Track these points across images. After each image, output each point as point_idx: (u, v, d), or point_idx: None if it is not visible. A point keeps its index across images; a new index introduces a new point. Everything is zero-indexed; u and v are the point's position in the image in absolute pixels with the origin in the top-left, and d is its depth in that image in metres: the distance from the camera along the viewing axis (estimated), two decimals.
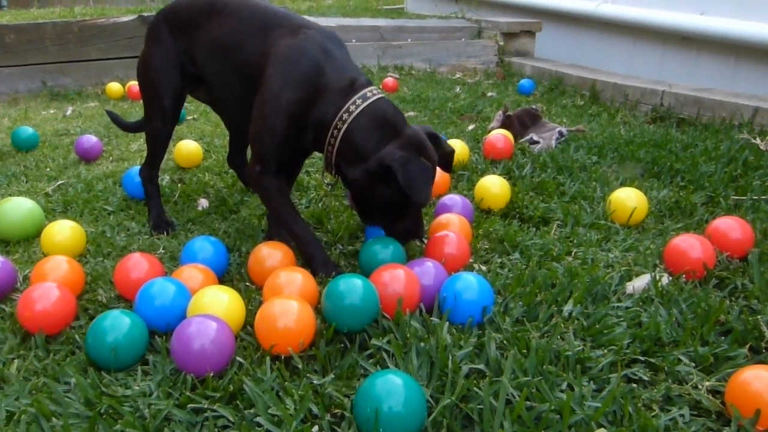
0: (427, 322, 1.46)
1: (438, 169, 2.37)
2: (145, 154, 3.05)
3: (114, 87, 4.66)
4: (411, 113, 3.83)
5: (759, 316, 1.51)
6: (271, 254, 1.70)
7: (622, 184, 2.47)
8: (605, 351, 1.39)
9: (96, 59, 4.87)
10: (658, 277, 1.69)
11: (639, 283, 1.70)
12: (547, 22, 5.62)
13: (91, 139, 3.06)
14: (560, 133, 3.01)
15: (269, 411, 1.17)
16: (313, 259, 1.77)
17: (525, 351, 1.36)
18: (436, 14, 7.23)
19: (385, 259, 1.70)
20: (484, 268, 1.80)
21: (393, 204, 1.74)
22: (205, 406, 1.20)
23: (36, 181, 2.74)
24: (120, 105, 4.46)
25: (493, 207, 2.24)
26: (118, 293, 1.69)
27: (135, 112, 4.15)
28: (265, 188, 1.83)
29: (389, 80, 4.49)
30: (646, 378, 1.33)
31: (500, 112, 3.21)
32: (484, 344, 1.37)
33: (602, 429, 1.16)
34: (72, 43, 4.77)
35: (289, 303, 1.38)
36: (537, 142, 2.94)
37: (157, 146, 2.20)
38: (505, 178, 2.41)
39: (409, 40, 5.37)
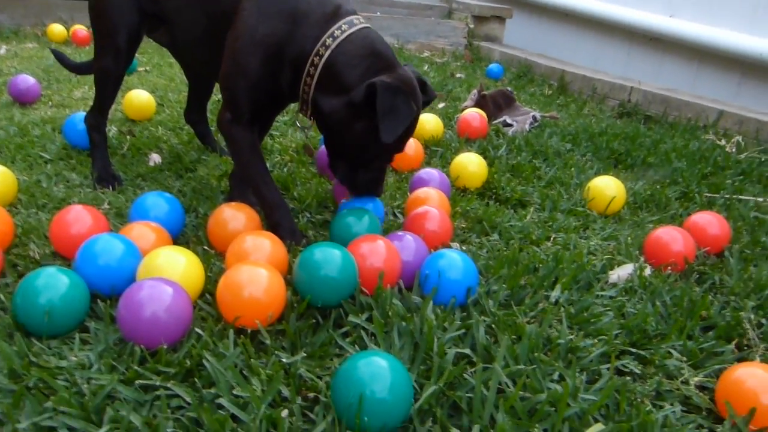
0: (408, 300, 1.33)
1: (412, 141, 2.24)
2: (90, 102, 2.81)
3: (56, 29, 4.29)
4: None
5: (742, 313, 1.46)
6: (234, 216, 1.53)
7: (597, 173, 2.41)
8: (595, 340, 1.30)
9: None
10: (641, 268, 1.62)
11: (622, 272, 1.63)
12: (518, 9, 5.55)
13: (27, 80, 2.78)
14: (534, 118, 2.93)
15: (233, 392, 1.01)
16: (280, 226, 1.60)
17: (515, 337, 1.25)
18: None
19: (358, 232, 1.55)
20: (463, 247, 1.69)
21: (363, 146, 1.56)
22: (157, 383, 1.04)
23: None
24: (63, 49, 4.10)
25: (470, 186, 2.13)
26: (53, 249, 1.48)
27: (80, 58, 3.82)
28: (235, 140, 1.64)
29: None
30: (637, 371, 1.25)
31: (475, 90, 3.10)
32: (470, 327, 1.25)
33: (599, 424, 1.06)
34: None
35: (258, 270, 1.22)
36: (510, 125, 2.85)
37: (107, 88, 1.97)
38: (481, 157, 2.29)
39: (378, 13, 5.19)
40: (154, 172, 2.07)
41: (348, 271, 1.26)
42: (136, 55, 3.90)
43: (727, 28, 3.92)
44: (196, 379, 1.05)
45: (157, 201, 1.59)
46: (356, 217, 1.58)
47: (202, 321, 1.23)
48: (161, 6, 1.82)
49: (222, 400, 0.99)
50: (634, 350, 1.31)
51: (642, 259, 1.72)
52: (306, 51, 1.56)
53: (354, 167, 1.63)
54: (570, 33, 5.29)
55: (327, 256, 1.26)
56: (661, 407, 1.15)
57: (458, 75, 4.36)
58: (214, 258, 1.49)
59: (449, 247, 1.65)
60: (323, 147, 2.12)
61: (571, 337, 1.29)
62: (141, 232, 1.44)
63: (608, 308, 1.45)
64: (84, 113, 2.24)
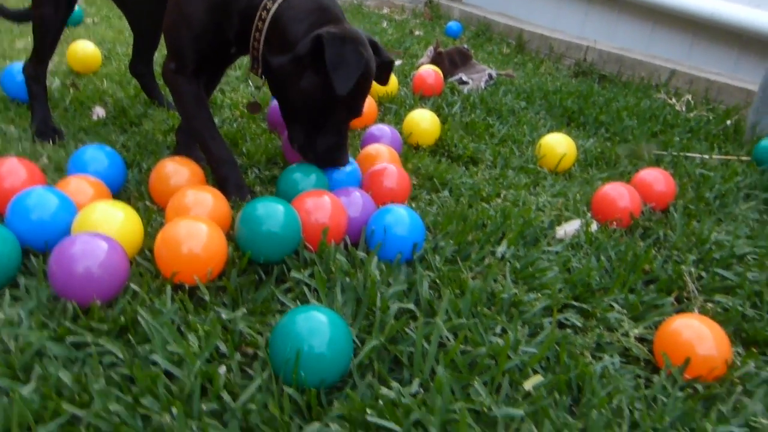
0: (353, 256, 1.32)
1: (369, 99, 2.20)
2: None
3: None
4: None
5: (683, 266, 1.50)
6: (177, 171, 1.48)
7: (550, 131, 2.42)
8: (538, 294, 1.32)
9: None
10: (588, 223, 1.64)
11: (569, 228, 1.65)
12: None
13: None
14: (489, 76, 2.91)
15: (168, 348, 0.99)
16: (227, 180, 1.56)
17: (459, 291, 1.25)
18: None
19: (305, 188, 1.52)
20: (412, 204, 1.68)
21: (316, 104, 1.51)
22: (89, 339, 1.01)
23: None
24: None
25: (422, 143, 2.11)
26: None
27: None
28: (179, 91, 1.59)
29: None
30: (578, 324, 1.27)
31: (431, 48, 3.06)
32: (415, 282, 1.25)
33: (538, 376, 1.08)
34: None
35: (197, 225, 1.18)
36: (466, 83, 2.82)
37: (46, 37, 1.87)
38: (434, 114, 2.27)
39: None
40: (97, 126, 2.00)
41: (291, 226, 1.24)
42: (84, 5, 3.74)
43: None
44: (130, 336, 1.03)
45: (97, 154, 1.53)
46: (303, 173, 1.55)
47: (140, 277, 1.20)
48: None
49: (156, 356, 0.97)
50: (576, 304, 1.33)
51: (589, 215, 1.75)
52: (254, 3, 1.50)
53: (310, 133, 1.56)
54: None
55: (270, 211, 1.23)
56: (601, 359, 1.18)
57: (417, 32, 4.30)
58: (156, 213, 1.44)
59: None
60: (274, 102, 2.08)
61: (515, 291, 1.30)
62: (78, 186, 1.38)
63: (554, 263, 1.46)
64: (23, 63, 2.14)
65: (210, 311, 1.11)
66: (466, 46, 3.20)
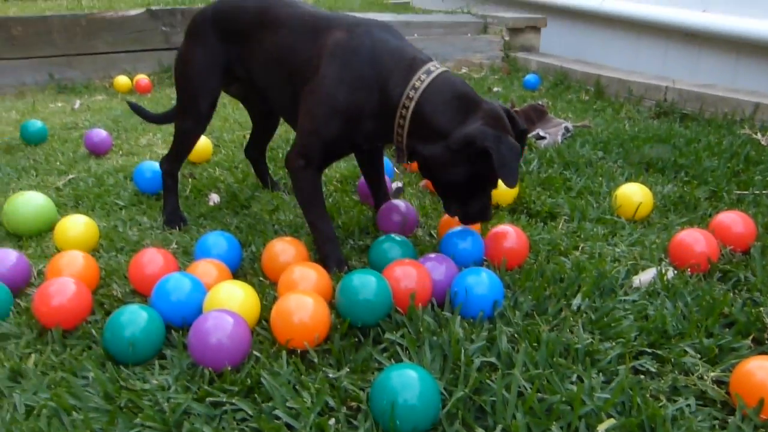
0: (439, 317, 1.49)
1: None
2: (155, 148, 3.10)
3: (122, 80, 4.68)
4: None
5: (761, 308, 1.54)
6: (284, 250, 1.73)
7: (628, 179, 2.49)
8: (613, 343, 1.42)
9: (104, 52, 4.90)
10: (663, 271, 1.72)
11: (645, 276, 1.73)
12: (551, 18, 5.63)
13: (100, 133, 3.09)
14: (566, 129, 3.03)
15: (287, 404, 1.20)
16: (329, 257, 1.79)
17: (536, 344, 1.39)
18: (442, 9, 7.22)
19: (394, 256, 1.71)
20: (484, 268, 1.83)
21: (468, 184, 1.70)
22: (224, 399, 1.23)
23: (46, 175, 2.77)
24: (128, 98, 4.48)
25: (501, 202, 2.26)
26: (132, 288, 1.72)
27: (143, 105, 4.16)
28: (301, 181, 1.82)
29: None
30: (653, 369, 1.36)
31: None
32: (496, 338, 1.40)
33: (611, 419, 1.19)
34: (79, 35, 4.80)
35: (304, 298, 1.41)
36: (543, 138, 2.96)
37: (187, 144, 2.20)
38: None
39: (416, 35, 5.37)
40: (213, 211, 2.31)
41: (383, 293, 1.44)
42: None
43: (761, 18, 3.89)
44: (256, 395, 1.25)
45: (218, 240, 1.81)
46: (391, 243, 1.75)
47: (260, 344, 1.43)
48: (252, 77, 2.01)
49: (278, 412, 1.18)
50: (651, 350, 1.42)
51: (665, 262, 1.82)
52: (392, 104, 1.68)
53: (463, 201, 1.76)
54: (605, 35, 5.33)
55: (364, 282, 1.44)
56: (675, 401, 1.26)
57: (495, 89, 4.49)
58: (269, 288, 1.69)
59: (480, 263, 1.79)
60: (363, 178, 2.31)
61: (590, 340, 1.41)
62: (205, 269, 1.65)
63: (629, 312, 1.56)
64: (151, 161, 2.52)
65: (319, 371, 1.31)
66: (540, 102, 3.34)
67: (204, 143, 2.91)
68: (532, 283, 1.66)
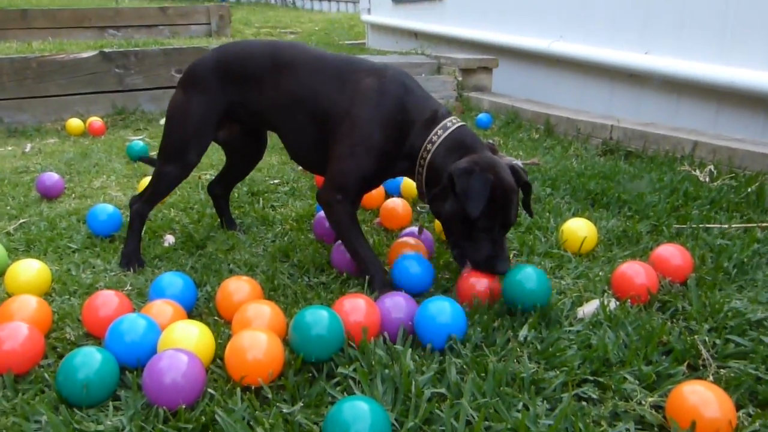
0: (391, 350, 1.53)
1: (400, 201, 2.47)
2: (108, 190, 3.09)
3: (74, 123, 4.65)
4: None
5: (696, 336, 1.63)
6: (239, 288, 1.76)
7: (575, 215, 2.60)
8: (558, 372, 1.48)
9: (55, 95, 4.87)
10: (606, 302, 1.80)
11: (589, 308, 1.81)
12: (502, 59, 5.85)
13: (52, 177, 3.07)
14: None
15: None
16: (375, 280, 1.88)
17: (483, 374, 1.44)
18: (397, 50, 7.43)
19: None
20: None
21: (463, 222, 1.79)
22: None
23: None
24: (81, 141, 4.46)
25: None
26: (86, 331, 1.71)
27: (96, 147, 4.16)
28: (340, 215, 1.93)
29: None
30: (595, 396, 1.42)
31: None
32: (446, 369, 1.45)
33: None
34: (30, 78, 4.77)
35: (258, 335, 1.43)
36: None
37: (165, 188, 2.20)
38: None
39: None
40: (168, 252, 2.32)
41: (335, 328, 1.47)
42: (148, 139, 4.23)
43: (699, 59, 4.14)
44: None
45: (172, 280, 1.82)
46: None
47: (215, 382, 1.45)
48: (264, 121, 2.10)
49: None
50: (593, 378, 1.49)
51: (608, 293, 1.91)
52: (415, 150, 1.89)
53: (466, 245, 1.84)
54: (554, 76, 5.56)
55: (316, 318, 1.47)
56: (616, 426, 1.33)
57: None
58: (223, 326, 1.70)
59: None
60: (319, 214, 2.37)
61: (534, 369, 1.48)
62: (159, 309, 1.66)
63: (573, 342, 1.63)
64: (104, 204, 2.52)
65: (273, 407, 1.33)
66: (492, 140, 3.47)
67: None
68: (481, 316, 1.72)
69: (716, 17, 3.98)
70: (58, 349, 1.63)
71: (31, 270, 1.96)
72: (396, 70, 1.95)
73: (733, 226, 2.42)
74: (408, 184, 2.86)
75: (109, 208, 2.51)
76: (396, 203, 2.55)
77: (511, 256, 2.22)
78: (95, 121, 4.66)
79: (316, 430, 1.27)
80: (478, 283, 1.81)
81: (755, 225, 2.42)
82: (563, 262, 2.18)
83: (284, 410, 1.32)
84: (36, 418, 1.34)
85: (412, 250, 1.99)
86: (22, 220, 2.68)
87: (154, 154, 3.99)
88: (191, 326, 1.52)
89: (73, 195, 3.13)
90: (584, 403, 1.40)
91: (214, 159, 3.65)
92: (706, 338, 1.64)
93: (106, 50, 5.06)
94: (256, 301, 1.65)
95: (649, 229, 2.47)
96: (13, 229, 2.59)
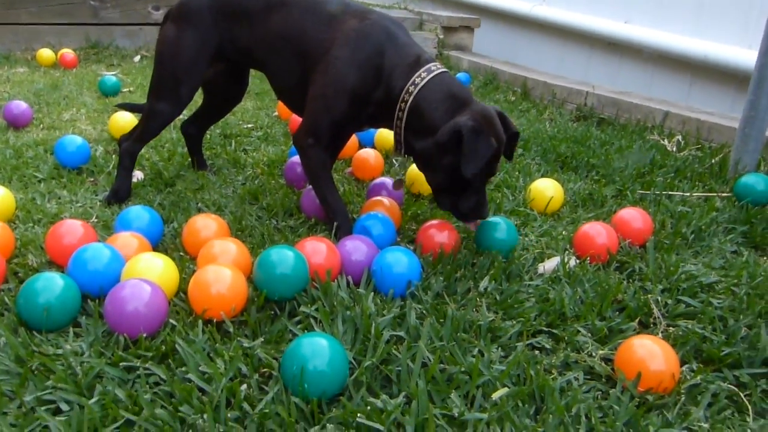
0: (353, 293, 1.56)
1: (373, 152, 2.47)
2: (77, 123, 3.03)
3: (45, 54, 4.51)
4: None
5: (650, 296, 1.69)
6: (206, 225, 1.76)
7: (543, 176, 2.64)
8: (514, 322, 1.53)
9: (26, 23, 4.70)
10: (566, 260, 1.85)
11: (549, 264, 1.86)
12: (485, 19, 5.79)
13: (20, 105, 2.99)
14: None
15: (200, 368, 1.24)
16: (340, 229, 1.89)
17: (442, 320, 1.48)
18: (379, 3, 7.30)
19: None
20: (411, 246, 1.91)
21: (455, 177, 1.77)
22: (138, 364, 1.26)
23: None
24: (51, 72, 4.33)
25: (423, 192, 2.36)
26: (49, 259, 1.70)
27: (67, 80, 4.05)
28: (312, 159, 1.91)
29: None
30: (548, 346, 1.47)
31: None
32: (405, 314, 1.48)
33: (505, 388, 1.29)
34: (0, 4, 4.58)
35: (222, 270, 1.44)
36: None
37: (156, 127, 2.16)
38: None
39: None
40: (137, 187, 2.29)
41: (300, 268, 1.49)
42: (121, 75, 4.13)
43: (676, 32, 4.17)
44: (170, 361, 1.28)
45: (139, 213, 1.81)
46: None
47: (176, 314, 1.46)
48: (253, 58, 2.05)
49: (191, 376, 1.22)
50: (548, 330, 1.54)
51: (569, 252, 1.96)
52: (393, 95, 1.82)
53: (454, 197, 1.84)
54: (534, 40, 5.55)
55: (282, 257, 1.49)
56: (565, 375, 1.38)
57: None
58: (189, 262, 1.71)
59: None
60: (290, 159, 2.36)
61: (492, 318, 1.52)
62: (125, 241, 1.66)
63: (532, 295, 1.68)
64: (73, 135, 2.47)
65: (234, 340, 1.36)
66: None
67: (129, 120, 2.86)
68: (444, 266, 1.75)
69: None
70: (19, 275, 1.62)
71: None
72: (381, 14, 1.92)
73: (695, 194, 2.48)
74: (382, 135, 2.85)
75: (78, 139, 2.46)
76: (369, 154, 2.55)
77: None
78: (67, 53, 4.52)
79: (275, 365, 1.29)
80: (439, 234, 1.84)
81: (715, 195, 2.48)
82: (528, 220, 2.22)
83: (245, 344, 1.35)
84: None
85: (384, 210, 1.99)
86: None
87: (126, 90, 3.90)
88: (156, 258, 1.52)
89: (42, 125, 3.06)
90: (537, 352, 1.45)
91: None
92: (659, 298, 1.70)
93: None
94: (223, 239, 1.65)
95: (614, 193, 2.52)
96: None
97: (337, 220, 1.91)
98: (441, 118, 1.76)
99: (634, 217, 2.07)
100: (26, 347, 1.30)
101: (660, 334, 1.58)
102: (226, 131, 3.06)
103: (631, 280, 1.84)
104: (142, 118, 2.18)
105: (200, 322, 1.39)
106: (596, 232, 1.95)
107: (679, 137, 3.20)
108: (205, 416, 1.09)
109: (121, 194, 2.16)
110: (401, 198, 2.23)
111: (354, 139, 2.71)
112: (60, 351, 1.30)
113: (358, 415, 1.13)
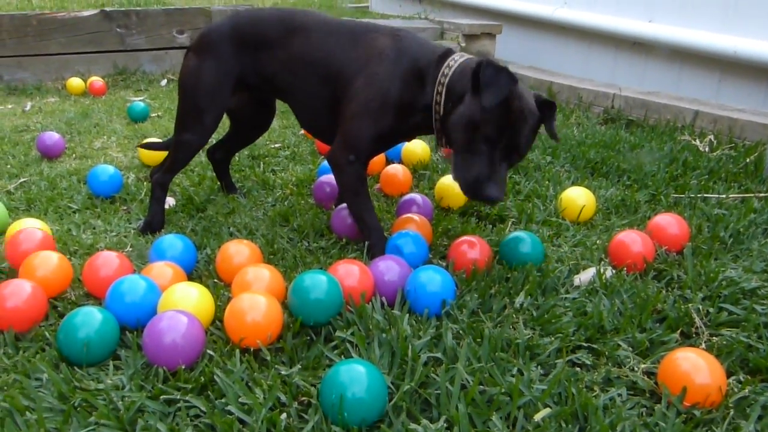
0: (388, 315, 1.55)
1: (400, 168, 2.47)
2: (108, 151, 3.09)
3: (75, 82, 4.62)
4: None
5: (690, 305, 1.65)
6: (239, 251, 1.77)
7: (574, 183, 2.60)
8: (552, 338, 1.50)
9: (56, 53, 4.82)
10: (602, 270, 1.82)
11: (585, 275, 1.83)
12: (507, 25, 5.76)
13: (53, 136, 3.06)
14: None
15: (239, 400, 1.24)
16: (375, 247, 1.90)
17: (479, 339, 1.46)
18: (400, 15, 7.32)
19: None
20: (443, 263, 1.90)
21: (470, 128, 1.68)
22: (178, 396, 1.27)
23: None
24: (81, 101, 4.43)
25: (453, 205, 2.34)
26: (86, 291, 1.73)
27: (97, 107, 4.14)
28: (351, 176, 1.91)
29: None
30: (588, 362, 1.45)
31: None
32: (442, 335, 1.47)
33: (547, 409, 1.27)
34: (30, 36, 4.71)
35: (257, 298, 1.45)
36: None
37: (185, 157, 2.20)
38: None
39: None
40: (169, 214, 2.32)
41: (333, 292, 1.49)
42: (149, 101, 4.21)
43: (703, 28, 4.09)
44: (209, 392, 1.29)
45: (173, 242, 1.83)
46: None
47: (214, 344, 1.47)
48: (275, 84, 2.07)
49: (231, 407, 1.22)
50: (588, 345, 1.51)
51: (604, 261, 1.92)
52: (430, 98, 1.82)
53: (467, 164, 1.71)
54: (558, 43, 5.49)
55: (315, 282, 1.49)
56: (608, 392, 1.35)
57: None
58: (223, 289, 1.72)
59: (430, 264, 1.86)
60: (319, 179, 2.37)
61: (530, 335, 1.50)
62: (160, 271, 1.68)
63: (569, 309, 1.65)
64: (105, 164, 2.52)
65: (271, 369, 1.36)
66: None
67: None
68: (478, 283, 1.73)
69: None
70: (59, 309, 1.65)
71: (33, 230, 1.97)
72: (408, 31, 1.94)
73: (731, 196, 2.43)
74: (408, 150, 2.85)
75: (110, 169, 2.51)
76: (396, 169, 2.54)
77: (510, 224, 2.23)
78: (96, 80, 4.63)
79: (313, 392, 1.29)
80: (471, 250, 1.83)
81: (752, 195, 2.42)
82: (561, 230, 2.19)
83: (282, 372, 1.35)
84: (36, 376, 1.36)
85: (415, 227, 1.98)
86: (22, 179, 2.68)
87: (155, 115, 3.97)
88: (191, 288, 1.54)
89: (74, 155, 3.12)
90: (578, 368, 1.43)
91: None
92: (700, 306, 1.66)
93: (107, 9, 4.98)
94: (256, 265, 1.66)
95: (648, 198, 2.48)
96: (13, 188, 2.59)
97: (371, 239, 1.91)
98: (465, 86, 1.72)
99: (669, 222, 2.03)
100: (68, 383, 1.32)
101: (703, 345, 1.54)
102: (254, 152, 3.09)
103: (670, 289, 1.79)
104: (170, 150, 2.22)
105: (237, 351, 1.40)
106: (631, 240, 1.92)
107: (711, 137, 3.13)
108: None
109: (154, 225, 2.18)
110: (431, 213, 2.22)
111: (381, 155, 2.71)
112: (101, 386, 1.31)
113: None
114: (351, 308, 1.55)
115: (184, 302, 1.48)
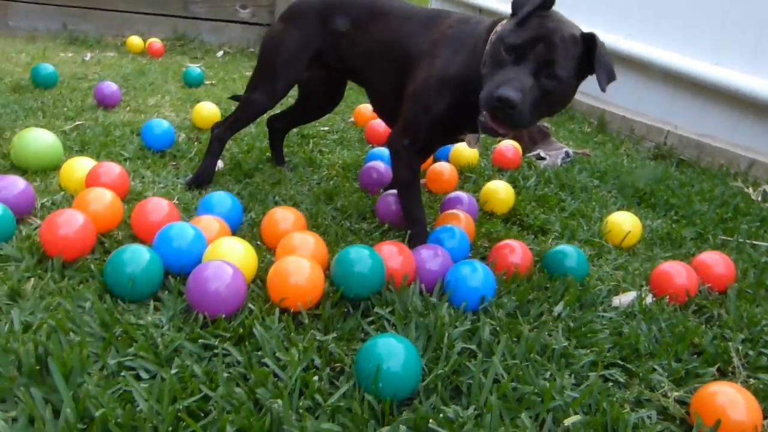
0: (426, 301, 1.55)
1: (447, 166, 2.47)
2: (161, 109, 3.14)
3: (135, 41, 4.71)
4: None
5: (730, 343, 1.62)
6: (285, 217, 1.78)
7: (620, 209, 2.58)
8: (588, 351, 1.49)
9: (120, 10, 4.92)
10: (643, 296, 1.79)
11: (625, 298, 1.80)
12: None
13: (111, 86, 3.12)
14: (567, 154, 3.12)
15: (276, 355, 1.25)
16: (417, 237, 1.88)
17: (516, 339, 1.45)
18: None
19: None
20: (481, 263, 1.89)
21: (498, 51, 1.61)
22: (216, 343, 1.28)
23: (53, 118, 2.80)
24: (139, 59, 4.51)
25: (496, 211, 2.33)
26: (132, 233, 1.75)
27: (153, 68, 4.21)
28: (404, 162, 1.90)
29: None
30: (621, 380, 1.43)
31: None
32: (479, 328, 1.46)
33: (577, 416, 1.25)
34: None
35: (302, 261, 1.46)
36: (543, 158, 3.04)
37: (250, 116, 2.24)
38: (510, 185, 2.50)
39: None
40: (217, 176, 2.35)
41: (377, 269, 1.49)
42: (204, 69, 4.26)
43: (766, 78, 4.02)
44: (246, 344, 1.29)
45: (222, 199, 1.86)
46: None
47: (254, 300, 1.48)
48: (350, 65, 2.09)
49: (267, 360, 1.23)
50: (622, 363, 1.49)
51: (645, 288, 1.89)
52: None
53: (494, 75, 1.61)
54: (616, 73, 5.44)
55: (360, 256, 1.49)
56: (638, 411, 1.33)
57: None
58: (265, 252, 1.73)
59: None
60: (367, 165, 2.38)
61: (566, 344, 1.48)
62: (207, 223, 1.70)
63: (606, 327, 1.63)
64: (160, 119, 2.56)
65: (308, 332, 1.36)
66: (546, 124, 3.43)
67: (213, 111, 2.95)
68: (518, 286, 1.72)
69: None
70: (105, 245, 1.68)
71: (85, 168, 2.01)
72: (480, 17, 1.93)
73: None
74: (457, 151, 2.85)
75: (165, 124, 2.55)
76: (444, 167, 2.54)
77: (552, 237, 2.22)
78: (155, 42, 4.71)
79: (347, 361, 1.29)
80: (513, 254, 1.82)
81: None
82: (603, 252, 2.16)
83: (318, 337, 1.35)
84: (80, 303, 1.39)
85: (459, 223, 1.98)
86: (78, 122, 2.74)
87: (209, 83, 4.02)
88: (237, 242, 1.55)
89: (128, 108, 3.18)
90: (610, 384, 1.41)
91: None
92: (740, 347, 1.62)
93: None
94: (302, 231, 1.67)
95: (694, 235, 2.44)
96: (69, 129, 2.65)
97: (414, 229, 1.90)
98: None
99: (716, 261, 1.99)
100: (111, 314, 1.34)
101: (739, 384, 1.50)
102: (303, 131, 3.11)
103: (709, 326, 1.76)
104: (237, 107, 2.26)
105: (277, 310, 1.41)
106: (676, 271, 1.88)
107: (765, 188, 3.07)
108: (280, 402, 1.09)
109: (203, 179, 2.21)
110: (476, 213, 2.21)
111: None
112: (141, 321, 1.33)
113: (430, 421, 1.11)
114: (391, 288, 1.55)
115: (230, 255, 1.50)
